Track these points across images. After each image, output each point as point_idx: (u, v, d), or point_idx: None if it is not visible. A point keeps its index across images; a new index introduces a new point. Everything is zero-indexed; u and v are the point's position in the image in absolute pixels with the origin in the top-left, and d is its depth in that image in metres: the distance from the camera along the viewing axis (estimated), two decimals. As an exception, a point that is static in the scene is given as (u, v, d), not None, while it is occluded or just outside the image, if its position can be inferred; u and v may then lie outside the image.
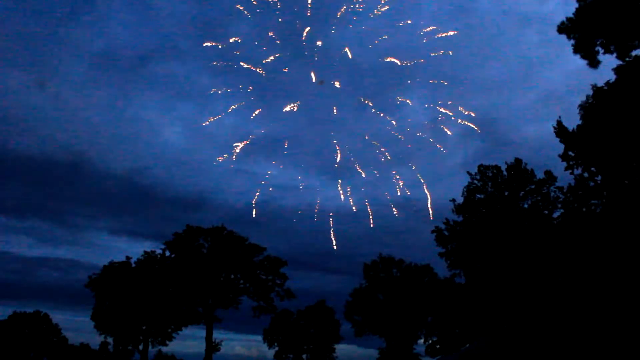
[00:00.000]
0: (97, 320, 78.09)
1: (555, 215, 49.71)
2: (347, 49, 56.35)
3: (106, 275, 77.53)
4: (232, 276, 78.78)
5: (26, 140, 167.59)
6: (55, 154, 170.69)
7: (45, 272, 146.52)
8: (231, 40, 56.24)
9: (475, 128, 51.39)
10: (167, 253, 78.63)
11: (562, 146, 35.20)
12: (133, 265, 79.22)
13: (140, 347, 79.20)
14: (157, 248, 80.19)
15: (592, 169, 34.67)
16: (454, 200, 54.65)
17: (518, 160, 53.35)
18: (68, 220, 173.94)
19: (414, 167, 54.88)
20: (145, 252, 79.70)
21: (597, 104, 32.09)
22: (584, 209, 38.04)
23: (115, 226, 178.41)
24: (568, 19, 31.62)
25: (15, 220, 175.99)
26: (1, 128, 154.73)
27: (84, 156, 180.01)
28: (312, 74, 55.73)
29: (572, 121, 34.48)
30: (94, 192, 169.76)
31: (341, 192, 55.23)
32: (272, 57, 55.81)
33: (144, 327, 78.50)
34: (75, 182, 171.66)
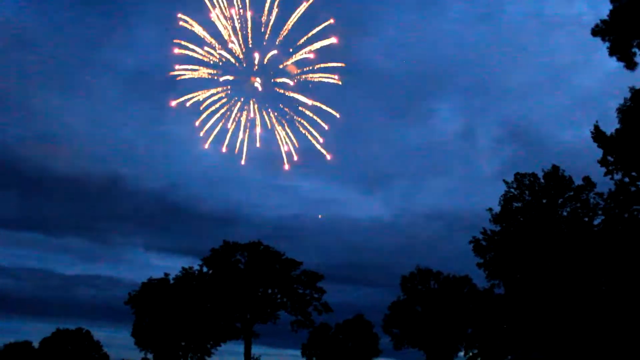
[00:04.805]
0: (137, 336, 78.99)
1: (596, 222, 48.77)
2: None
3: (145, 292, 78.47)
4: (270, 291, 79.01)
5: (64, 159, 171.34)
6: (92, 172, 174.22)
7: (84, 290, 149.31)
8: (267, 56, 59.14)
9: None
10: (205, 269, 79.33)
11: (600, 151, 34.51)
12: (171, 281, 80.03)
13: (180, 363, 79.82)
14: (194, 264, 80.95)
15: (633, 173, 33.87)
16: (491, 209, 54.03)
17: (555, 167, 52.49)
18: (105, 238, 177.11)
19: (448, 177, 55.33)
20: (183, 268, 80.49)
21: (635, 107, 31.38)
22: (625, 215, 37.21)
23: (151, 242, 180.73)
24: (602, 21, 31.07)
25: (55, 238, 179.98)
26: (39, 148, 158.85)
27: (120, 174, 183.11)
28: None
29: (610, 125, 33.82)
30: (130, 209, 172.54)
31: (376, 203, 57.32)
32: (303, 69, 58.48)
33: (183, 343, 79.08)
34: (111, 199, 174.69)
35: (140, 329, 78.67)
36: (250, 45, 58.92)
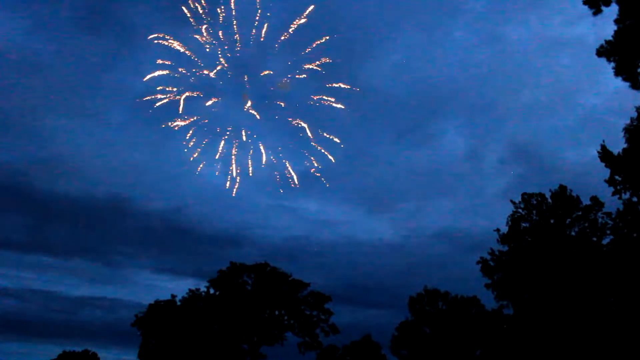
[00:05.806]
0: (144, 358, 78.69)
1: (605, 242, 48.56)
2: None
3: (152, 314, 78.37)
4: (277, 312, 78.76)
5: (70, 182, 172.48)
6: (98, 195, 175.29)
7: (91, 312, 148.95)
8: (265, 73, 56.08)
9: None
10: (212, 290, 79.24)
11: (607, 171, 34.43)
12: (178, 303, 79.92)
13: (187, 385, 79.36)
14: (201, 285, 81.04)
15: (641, 192, 33.77)
16: (498, 229, 53.92)
17: (562, 187, 52.42)
18: (111, 260, 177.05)
19: (453, 198, 54.73)
20: (189, 290, 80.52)
21: (642, 126, 31.45)
22: (634, 235, 37.03)
23: (157, 264, 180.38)
24: (607, 41, 31.15)
25: (61, 260, 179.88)
26: (46, 170, 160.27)
27: (126, 196, 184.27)
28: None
29: (616, 144, 33.80)
30: (136, 231, 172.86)
31: (382, 225, 55.27)
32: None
33: (189, 365, 78.80)
34: (117, 221, 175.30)
35: (147, 350, 78.40)
36: (238, 56, 54.66)
